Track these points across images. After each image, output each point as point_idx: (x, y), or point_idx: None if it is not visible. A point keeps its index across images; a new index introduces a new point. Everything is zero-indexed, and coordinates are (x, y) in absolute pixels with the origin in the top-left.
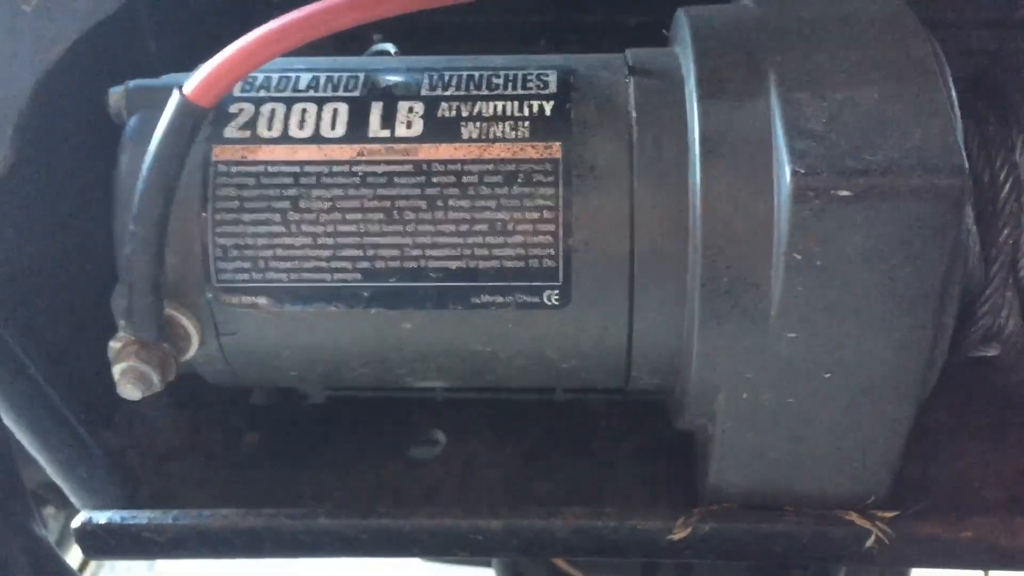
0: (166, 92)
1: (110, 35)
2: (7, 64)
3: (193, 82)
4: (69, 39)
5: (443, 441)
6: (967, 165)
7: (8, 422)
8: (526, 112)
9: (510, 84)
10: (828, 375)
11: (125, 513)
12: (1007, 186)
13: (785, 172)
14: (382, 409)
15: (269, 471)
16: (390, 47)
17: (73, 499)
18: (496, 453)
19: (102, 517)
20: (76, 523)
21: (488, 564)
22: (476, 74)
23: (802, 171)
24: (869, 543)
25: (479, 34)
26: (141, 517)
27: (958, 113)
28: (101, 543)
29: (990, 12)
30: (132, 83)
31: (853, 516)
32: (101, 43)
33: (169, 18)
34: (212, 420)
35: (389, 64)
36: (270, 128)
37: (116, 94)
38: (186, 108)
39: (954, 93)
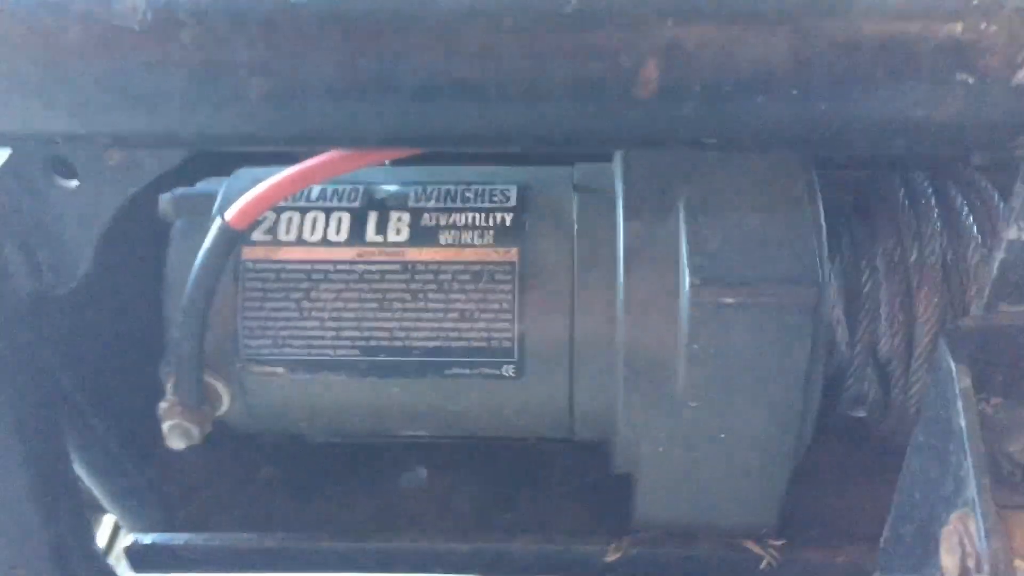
0: (203, 198)
1: None
2: (93, 203)
3: (232, 211)
4: (140, 185)
5: (424, 475)
6: (822, 280)
7: (76, 465)
8: (490, 223)
9: (478, 198)
10: (723, 435)
11: (166, 536)
12: (868, 285)
13: (686, 282)
14: (373, 447)
15: (280, 500)
16: None
17: (122, 523)
18: (467, 486)
19: (147, 539)
20: (127, 543)
21: None
22: (452, 188)
23: (698, 282)
24: (763, 565)
25: None
26: (179, 539)
27: (824, 236)
28: (146, 560)
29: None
30: (177, 191)
31: (749, 544)
32: None
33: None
34: (232, 456)
35: (382, 176)
36: (287, 233)
37: (165, 201)
38: (226, 231)
39: (823, 219)
